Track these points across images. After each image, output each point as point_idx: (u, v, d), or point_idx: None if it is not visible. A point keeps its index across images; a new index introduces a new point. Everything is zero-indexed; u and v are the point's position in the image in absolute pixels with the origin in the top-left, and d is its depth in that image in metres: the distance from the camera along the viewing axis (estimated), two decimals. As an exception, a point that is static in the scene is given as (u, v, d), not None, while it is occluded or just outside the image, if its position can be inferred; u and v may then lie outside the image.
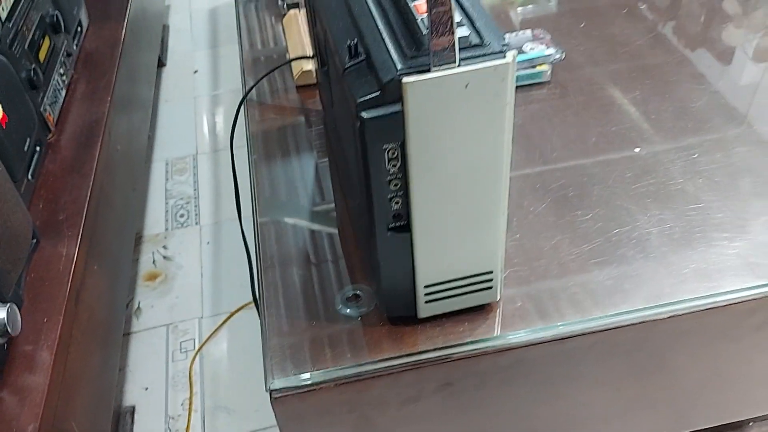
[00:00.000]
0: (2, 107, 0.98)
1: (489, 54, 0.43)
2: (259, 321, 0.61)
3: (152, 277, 1.62)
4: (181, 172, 1.88)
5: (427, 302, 0.55)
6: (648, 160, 0.71)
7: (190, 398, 1.38)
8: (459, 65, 0.42)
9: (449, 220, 0.50)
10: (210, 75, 2.24)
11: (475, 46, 0.43)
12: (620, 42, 0.89)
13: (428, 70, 0.42)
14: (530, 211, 0.66)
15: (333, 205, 0.70)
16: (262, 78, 0.84)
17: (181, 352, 1.46)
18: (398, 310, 0.56)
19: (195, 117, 2.07)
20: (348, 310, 0.59)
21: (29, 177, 1.04)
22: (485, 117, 0.45)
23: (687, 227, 0.64)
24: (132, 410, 1.35)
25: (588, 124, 0.77)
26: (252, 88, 0.83)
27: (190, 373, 1.42)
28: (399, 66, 0.42)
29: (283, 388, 0.54)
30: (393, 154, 0.46)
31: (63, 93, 1.24)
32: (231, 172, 0.71)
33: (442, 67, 0.42)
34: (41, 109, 1.13)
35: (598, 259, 0.62)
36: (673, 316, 0.57)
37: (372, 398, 0.56)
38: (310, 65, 0.83)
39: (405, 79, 0.42)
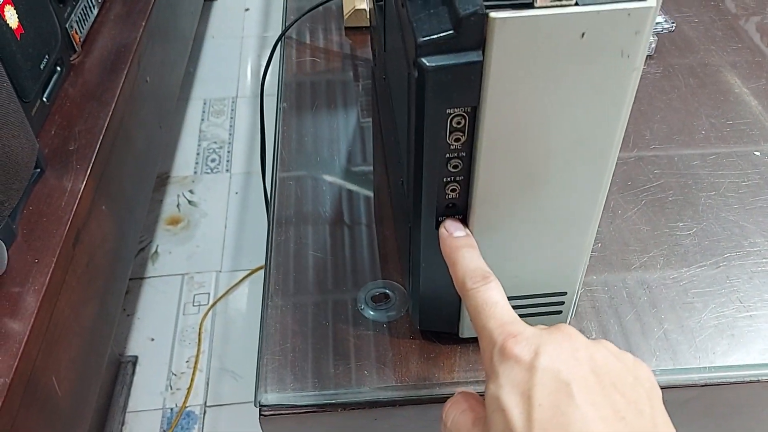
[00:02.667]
0: (18, 16, 0.87)
1: (620, -8, 0.29)
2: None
3: (174, 221, 1.53)
4: (218, 114, 1.77)
5: (474, 320, 0.42)
6: (772, 168, 0.57)
7: (197, 356, 1.29)
8: (576, 3, 0.28)
9: (523, 220, 0.37)
10: (261, 15, 2.11)
11: (602, -22, 0.29)
12: (745, 16, 0.72)
13: (531, 5, 0.28)
14: (617, 215, 0.52)
15: (371, 176, 0.57)
16: (306, 12, 0.71)
17: (193, 305, 1.37)
18: (435, 324, 0.44)
19: (240, 58, 1.95)
20: (372, 313, 0.47)
21: (44, 99, 0.93)
22: (602, 84, 0.31)
23: (819, 262, 0.49)
24: (134, 361, 1.27)
25: (697, 114, 0.61)
26: (293, 23, 0.70)
27: (200, 330, 1.33)
28: (486, -5, 0.29)
29: (278, 405, 0.42)
30: (459, 123, 0.33)
31: (95, 12, 1.13)
32: (268, 120, 0.58)
33: (552, 3, 0.28)
34: (67, 25, 1.02)
35: (702, 289, 0.48)
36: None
37: (390, 429, 0.44)
38: (363, 4, 0.69)
39: (493, 14, 0.28)
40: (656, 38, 0.68)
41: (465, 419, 0.31)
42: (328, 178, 0.57)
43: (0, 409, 0.63)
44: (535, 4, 0.28)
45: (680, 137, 0.59)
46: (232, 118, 1.76)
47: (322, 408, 0.42)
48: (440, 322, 0.44)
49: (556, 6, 0.28)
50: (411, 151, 0.35)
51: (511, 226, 0.37)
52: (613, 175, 0.54)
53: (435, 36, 0.30)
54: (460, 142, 0.34)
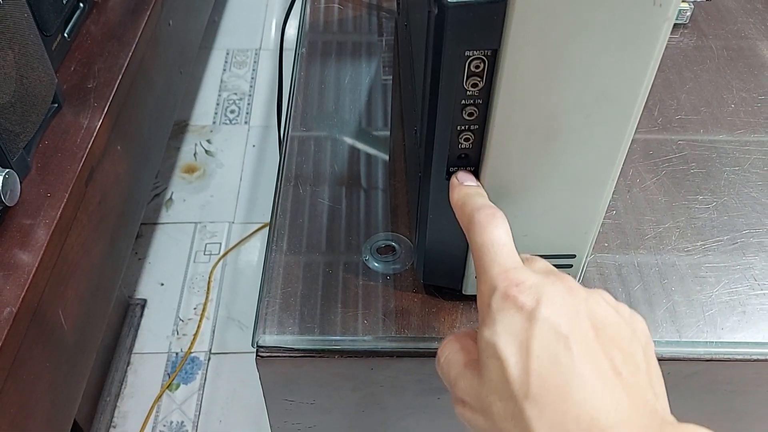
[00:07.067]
0: (42, -52, 0.85)
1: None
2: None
3: (190, 170, 1.53)
4: (241, 66, 1.75)
5: (479, 277, 0.41)
6: (801, 147, 0.55)
7: (205, 304, 1.30)
8: (610, -58, 0.27)
9: (537, 176, 0.36)
10: (290, -34, 2.07)
11: None
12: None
13: (561, -59, 0.27)
14: (636, 183, 0.51)
15: (388, 130, 0.56)
16: (332, -43, 0.69)
17: (204, 254, 1.38)
18: (439, 279, 0.43)
19: (266, 9, 1.92)
20: (376, 264, 0.46)
21: (65, 35, 0.92)
22: (631, 33, 0.29)
23: (841, 245, 0.48)
24: (143, 304, 1.28)
25: (729, 86, 0.59)
26: (318, -32, 0.68)
27: (209, 278, 1.34)
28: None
29: (275, 347, 0.42)
30: (477, 67, 0.32)
31: (120, -51, 1.11)
32: (290, 73, 0.57)
33: (584, -59, 0.27)
34: (91, -39, 1.00)
35: (716, 264, 0.46)
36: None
37: (386, 379, 0.44)
38: (392, -48, 0.67)
39: (522, -50, 0.27)
40: (692, 6, 0.65)
41: (457, 359, 0.31)
42: (342, 129, 0.56)
43: (6, 338, 0.64)
44: (567, -58, 0.27)
45: (708, 109, 0.57)
46: (254, 70, 1.74)
47: (319, 353, 0.42)
48: (444, 277, 0.43)
49: (589, -56, 0.27)
50: (426, 95, 0.34)
51: (524, 182, 0.36)
52: (633, 143, 0.52)
53: (458, -29, 0.28)
54: (477, 88, 0.32)
